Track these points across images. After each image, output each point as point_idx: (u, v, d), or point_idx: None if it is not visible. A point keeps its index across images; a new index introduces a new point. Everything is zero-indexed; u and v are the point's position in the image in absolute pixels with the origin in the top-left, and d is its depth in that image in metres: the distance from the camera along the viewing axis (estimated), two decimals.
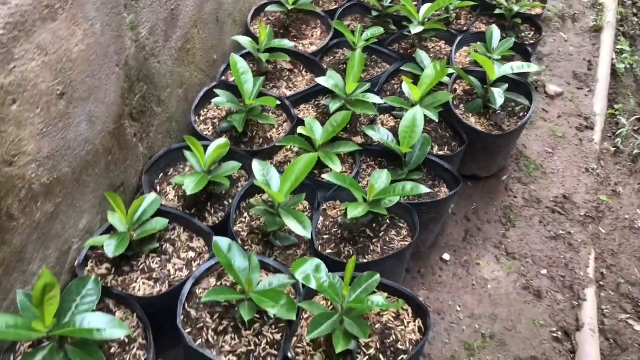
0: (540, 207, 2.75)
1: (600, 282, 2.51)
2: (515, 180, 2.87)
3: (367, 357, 1.70)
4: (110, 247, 1.79)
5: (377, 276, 1.72)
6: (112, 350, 1.69)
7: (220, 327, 1.76)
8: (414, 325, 1.79)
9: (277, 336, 1.75)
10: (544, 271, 2.46)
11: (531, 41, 3.17)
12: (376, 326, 1.78)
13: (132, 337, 1.73)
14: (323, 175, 2.05)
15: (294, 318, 1.62)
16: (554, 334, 2.23)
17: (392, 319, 1.81)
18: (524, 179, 2.88)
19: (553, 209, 2.75)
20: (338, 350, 1.56)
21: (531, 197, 2.79)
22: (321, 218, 2.18)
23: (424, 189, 2.00)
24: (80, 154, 1.71)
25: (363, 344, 1.73)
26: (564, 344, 2.21)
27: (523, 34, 3.24)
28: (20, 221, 1.49)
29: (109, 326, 1.52)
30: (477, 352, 2.13)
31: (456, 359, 2.10)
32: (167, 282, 1.88)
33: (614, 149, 3.19)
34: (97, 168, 1.84)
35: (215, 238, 1.75)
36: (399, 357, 1.68)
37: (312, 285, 1.64)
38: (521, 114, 2.70)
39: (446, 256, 2.48)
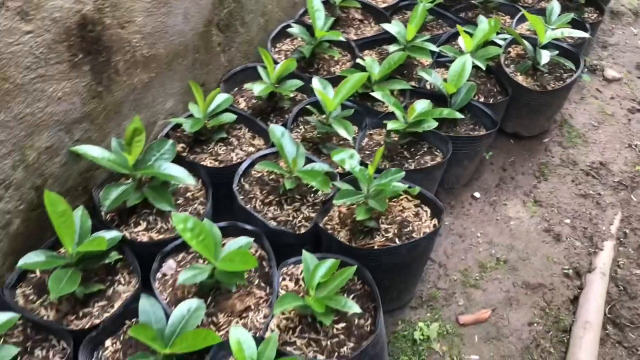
0: (575, 169, 2.91)
1: (622, 240, 2.64)
2: (556, 143, 3.04)
3: (384, 238, 1.97)
4: (188, 124, 2.16)
5: (403, 173, 1.99)
6: (179, 202, 2.05)
7: (267, 200, 2.08)
8: (430, 223, 2.03)
9: (312, 214, 2.05)
10: (567, 221, 2.64)
11: (591, 21, 3.31)
12: (396, 219, 2.04)
13: (195, 196, 2.08)
14: (372, 93, 2.34)
15: (328, 190, 1.92)
16: (565, 271, 2.41)
17: (412, 215, 2.07)
18: (564, 144, 3.04)
19: (588, 172, 2.90)
20: (358, 217, 1.85)
21: (568, 159, 2.95)
22: (366, 139, 2.46)
23: (459, 115, 2.24)
24: (174, 42, 2.08)
25: (383, 229, 2.00)
26: (573, 281, 2.38)
27: (586, 16, 3.39)
28: (123, 79, 1.87)
29: (182, 174, 1.87)
30: (489, 271, 2.36)
31: (468, 273, 2.34)
32: (229, 164, 2.23)
33: None
34: (185, 60, 2.20)
35: (272, 125, 2.07)
36: (412, 239, 1.94)
37: (347, 167, 1.93)
38: (568, 80, 2.87)
39: (477, 194, 2.70)
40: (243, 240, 1.76)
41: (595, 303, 2.27)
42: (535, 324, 2.19)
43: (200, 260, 1.85)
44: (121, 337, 1.69)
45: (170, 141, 2.01)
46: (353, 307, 1.61)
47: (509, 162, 2.91)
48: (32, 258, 1.64)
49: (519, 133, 3.02)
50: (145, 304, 1.56)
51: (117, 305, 1.72)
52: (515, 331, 2.15)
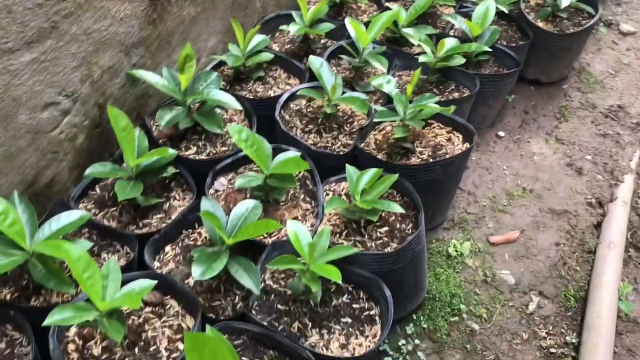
0: (594, 111, 2.99)
1: None
2: (575, 89, 3.12)
3: (419, 159, 2.07)
4: (230, 59, 2.26)
5: (436, 97, 2.08)
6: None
7: (306, 129, 2.18)
8: (462, 146, 2.13)
9: (349, 141, 2.14)
10: (588, 157, 2.72)
11: None
12: (430, 143, 2.14)
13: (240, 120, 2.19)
14: (404, 29, 2.43)
15: (366, 112, 2.03)
16: (588, 200, 2.50)
17: (445, 140, 2.16)
18: (583, 89, 3.12)
19: (606, 114, 2.98)
20: (396, 135, 1.95)
21: (587, 103, 3.03)
22: (395, 78, 2.55)
23: (486, 47, 2.34)
24: None
25: (418, 151, 2.10)
26: (596, 209, 2.47)
27: None
28: (174, 9, 1.97)
29: (230, 100, 1.97)
30: (516, 198, 2.45)
31: (497, 200, 2.43)
32: (268, 97, 2.33)
33: None
34: (226, 0, 2.30)
35: (311, 56, 2.17)
36: (444, 158, 2.04)
37: (385, 90, 2.03)
38: (587, 24, 2.95)
39: (501, 133, 2.79)
40: (292, 152, 1.86)
41: (617, 227, 2.36)
42: (561, 245, 2.28)
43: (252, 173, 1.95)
44: (179, 244, 1.80)
45: (216, 73, 2.11)
46: (396, 208, 1.71)
47: (531, 105, 2.99)
48: (98, 168, 1.76)
49: (539, 79, 3.11)
50: (206, 204, 1.67)
51: (174, 216, 1.83)
52: (543, 250, 2.25)
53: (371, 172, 1.78)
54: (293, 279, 1.65)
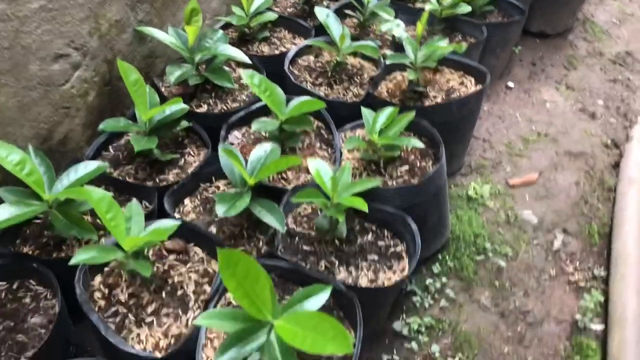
0: (602, 59, 2.96)
1: None
2: (581, 39, 3.09)
3: (433, 102, 2.03)
4: (235, 19, 2.23)
5: (447, 39, 2.05)
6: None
7: (317, 82, 2.14)
8: (475, 88, 2.10)
9: (361, 92, 2.11)
10: (600, 102, 2.69)
11: None
12: (443, 87, 2.11)
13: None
14: None
15: (377, 56, 2.00)
16: (604, 142, 2.47)
17: (457, 84, 2.13)
18: (589, 38, 3.09)
19: (614, 61, 2.95)
20: (410, 77, 1.92)
21: (594, 51, 3.00)
22: None
23: None
24: None
25: (432, 95, 2.07)
26: (612, 150, 2.44)
27: None
28: None
29: (239, 54, 1.93)
30: (531, 143, 2.42)
31: (512, 145, 2.40)
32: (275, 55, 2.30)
33: None
34: None
35: (317, 7, 2.14)
36: (459, 98, 2.00)
37: (395, 33, 2.00)
38: None
39: (511, 84, 2.76)
40: (305, 97, 1.83)
41: (636, 164, 2.32)
42: (581, 184, 2.24)
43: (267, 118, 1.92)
44: (198, 197, 1.77)
45: (221, 31, 2.08)
46: (416, 143, 1.68)
47: (538, 57, 2.96)
48: (112, 123, 1.73)
49: (544, 31, 3.07)
50: (224, 148, 1.63)
51: (190, 171, 1.80)
52: (564, 190, 2.22)
53: (387, 110, 1.75)
54: (318, 217, 1.62)
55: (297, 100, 1.78)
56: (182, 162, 1.86)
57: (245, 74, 1.69)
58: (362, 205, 1.42)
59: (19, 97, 1.47)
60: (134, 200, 1.43)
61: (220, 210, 1.47)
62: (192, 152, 1.89)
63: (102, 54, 1.73)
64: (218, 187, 1.81)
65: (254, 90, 1.69)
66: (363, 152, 1.76)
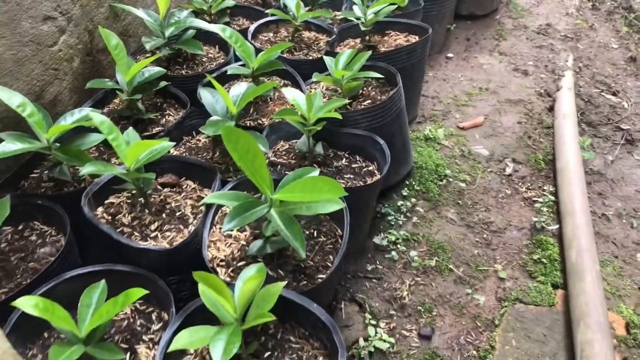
0: (527, 31, 3.28)
1: (577, 72, 3.00)
2: (507, 17, 3.41)
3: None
4: (197, 4, 2.42)
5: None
6: (203, 59, 2.29)
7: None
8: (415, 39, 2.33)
9: (320, 55, 2.31)
10: (530, 62, 2.98)
11: None
12: (392, 44, 2.33)
13: (215, 57, 2.33)
14: None
15: (330, 17, 2.21)
16: (538, 92, 2.73)
17: (404, 42, 2.35)
18: (513, 16, 3.42)
19: (538, 31, 3.27)
20: (362, 28, 2.14)
21: (520, 25, 3.32)
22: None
23: None
24: None
25: (383, 51, 2.28)
26: (545, 98, 2.71)
27: None
28: None
29: (207, 25, 2.11)
30: (474, 96, 2.66)
31: (458, 99, 2.63)
32: None
33: (592, 5, 3.71)
34: None
35: None
36: (407, 45, 2.22)
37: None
38: None
39: (450, 55, 3.02)
40: (274, 51, 2.00)
41: (568, 105, 2.58)
42: (523, 123, 2.49)
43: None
44: (182, 147, 1.90)
45: (187, 10, 2.26)
46: (375, 74, 1.87)
47: (471, 33, 3.25)
48: (98, 82, 1.85)
49: (473, 13, 3.39)
50: (205, 92, 1.79)
51: (173, 122, 1.93)
52: (508, 128, 2.45)
53: (347, 52, 1.93)
54: (297, 142, 1.77)
55: (267, 53, 1.95)
56: (163, 121, 1.98)
57: (217, 28, 1.86)
58: (337, 115, 1.59)
59: (14, 50, 1.59)
60: (131, 128, 1.56)
61: (208, 131, 1.61)
62: (171, 113, 2.03)
63: (83, 23, 1.87)
64: (199, 140, 1.94)
65: (229, 41, 1.85)
66: (328, 91, 1.94)
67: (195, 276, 1.13)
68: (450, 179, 2.12)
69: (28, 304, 1.09)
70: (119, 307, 1.15)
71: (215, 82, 1.61)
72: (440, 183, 2.10)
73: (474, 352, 1.56)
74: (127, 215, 1.57)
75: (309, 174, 1.37)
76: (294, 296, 1.29)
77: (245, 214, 1.27)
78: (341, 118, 1.60)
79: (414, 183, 2.08)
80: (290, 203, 1.31)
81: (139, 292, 1.18)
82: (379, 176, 1.68)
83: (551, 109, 2.62)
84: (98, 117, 1.45)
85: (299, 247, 1.25)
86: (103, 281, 1.25)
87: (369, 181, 1.66)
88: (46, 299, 1.13)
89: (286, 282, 1.24)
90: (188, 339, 1.12)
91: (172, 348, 1.10)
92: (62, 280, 1.34)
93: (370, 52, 1.92)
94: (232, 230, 1.50)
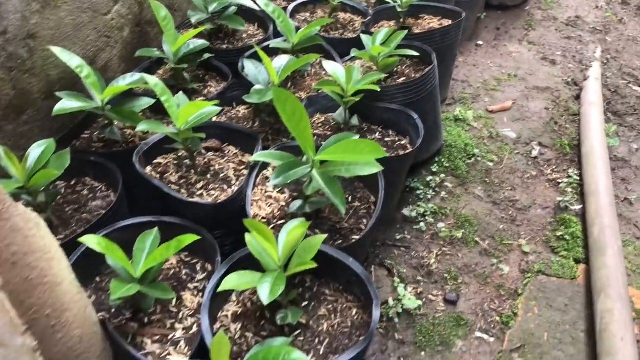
0: (556, 22, 3.30)
1: (605, 63, 3.03)
2: (536, 8, 3.44)
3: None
4: None
5: None
6: (243, 35, 2.37)
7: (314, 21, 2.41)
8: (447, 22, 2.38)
9: (355, 34, 2.38)
10: (558, 53, 3.01)
11: None
12: (426, 27, 2.38)
13: (255, 34, 2.40)
14: None
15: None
16: (565, 81, 2.77)
17: (437, 25, 2.41)
18: (543, 7, 3.45)
19: (567, 23, 3.30)
20: (399, 10, 2.19)
21: (549, 17, 3.35)
22: None
23: None
24: None
25: (417, 33, 2.34)
26: (572, 87, 2.74)
27: None
28: None
29: (247, 2, 2.20)
30: (503, 81, 2.71)
31: (487, 83, 2.68)
32: None
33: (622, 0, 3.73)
34: None
35: None
36: (440, 27, 2.28)
37: None
38: None
39: (480, 42, 3.07)
40: (314, 26, 2.07)
41: (595, 93, 2.62)
42: (550, 110, 2.53)
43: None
44: (223, 117, 1.98)
45: None
46: (412, 52, 1.94)
47: (501, 23, 3.29)
48: (146, 51, 1.94)
49: (504, 3, 3.42)
50: (248, 63, 1.86)
51: (215, 93, 2.01)
52: (535, 114, 2.49)
53: (384, 30, 2.00)
54: (334, 114, 1.84)
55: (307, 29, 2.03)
56: (205, 91, 2.07)
57: (262, 3, 1.94)
58: (375, 88, 1.66)
59: (73, 16, 1.68)
60: (181, 92, 1.64)
61: (253, 99, 1.68)
62: (212, 85, 2.11)
63: None
64: (239, 111, 2.02)
65: (271, 16, 1.93)
66: (364, 68, 2.00)
67: (245, 222, 1.21)
68: (479, 158, 2.18)
69: (92, 241, 1.18)
70: (172, 251, 1.24)
71: (262, 53, 1.68)
72: (469, 161, 2.16)
73: (497, 318, 1.63)
74: (174, 174, 1.66)
75: (347, 137, 1.43)
76: (332, 251, 1.37)
77: (289, 172, 1.35)
78: (379, 90, 1.66)
79: (443, 160, 2.15)
80: (331, 164, 1.38)
81: (190, 238, 1.26)
82: (411, 149, 1.74)
83: (578, 97, 2.66)
84: (152, 80, 1.54)
85: (339, 204, 1.32)
86: (156, 228, 1.34)
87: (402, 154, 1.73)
88: (106, 239, 1.22)
89: (326, 235, 1.31)
90: (236, 281, 1.20)
91: (222, 288, 1.19)
92: (115, 229, 1.43)
93: (405, 33, 1.97)
94: (277, 187, 1.58)
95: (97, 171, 1.67)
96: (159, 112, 1.88)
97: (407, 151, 1.70)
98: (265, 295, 1.12)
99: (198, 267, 1.48)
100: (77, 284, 1.14)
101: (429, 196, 2.00)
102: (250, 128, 1.88)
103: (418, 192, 2.01)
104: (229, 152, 1.77)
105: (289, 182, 1.35)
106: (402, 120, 1.85)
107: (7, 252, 0.94)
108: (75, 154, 1.65)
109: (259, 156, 1.39)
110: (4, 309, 0.69)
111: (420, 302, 1.63)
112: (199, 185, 1.62)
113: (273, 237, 1.21)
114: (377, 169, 1.35)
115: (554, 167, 2.20)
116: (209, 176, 1.65)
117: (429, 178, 2.06)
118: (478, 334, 1.58)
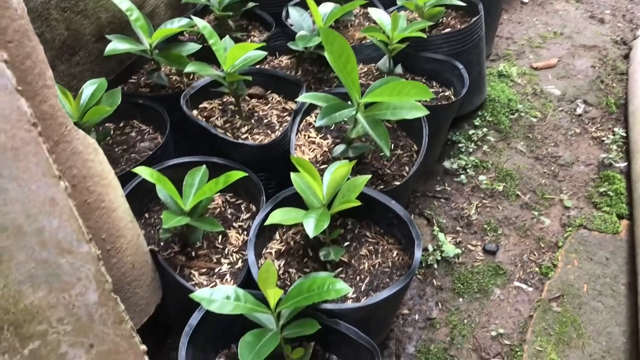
0: None
1: None
2: None
3: None
4: None
5: None
6: None
7: None
8: None
9: None
10: (607, 11, 2.90)
11: None
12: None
13: None
14: None
15: None
16: (613, 40, 2.67)
17: None
18: None
19: None
20: None
21: None
22: None
23: None
24: None
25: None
26: (621, 46, 2.65)
27: None
28: None
29: None
30: (549, 39, 2.62)
31: (532, 41, 2.61)
32: None
33: None
34: None
35: None
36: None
37: None
38: None
39: (525, 0, 2.98)
40: None
41: None
42: (597, 68, 2.45)
43: None
44: (267, 65, 1.98)
45: None
46: (458, 1, 1.89)
47: None
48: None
49: None
50: (293, 10, 1.85)
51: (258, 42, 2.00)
52: (581, 71, 2.42)
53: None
54: (378, 63, 1.82)
55: None
56: (248, 41, 2.06)
57: None
58: (421, 35, 1.63)
59: None
60: (227, 36, 1.65)
61: (298, 45, 1.68)
62: (255, 35, 2.10)
63: None
64: (282, 61, 2.02)
65: None
66: (410, 19, 1.97)
67: (292, 159, 1.22)
68: (522, 114, 2.14)
69: (145, 172, 1.21)
70: (220, 186, 1.26)
71: (300, 6, 1.67)
72: (512, 117, 2.12)
73: (536, 269, 1.62)
74: (219, 118, 1.68)
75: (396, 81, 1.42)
76: (375, 193, 1.37)
77: (335, 113, 1.35)
78: (425, 37, 1.63)
79: (485, 114, 2.11)
80: (376, 107, 1.37)
81: (238, 174, 1.28)
82: (455, 99, 1.72)
83: (626, 56, 2.57)
84: (201, 22, 1.54)
85: (384, 146, 1.32)
86: (204, 165, 1.36)
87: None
88: (158, 172, 1.25)
89: (370, 175, 1.31)
90: (282, 216, 1.22)
91: (268, 222, 1.21)
92: (165, 167, 1.46)
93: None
94: (320, 130, 1.58)
95: (144, 114, 1.70)
96: (203, 59, 1.89)
97: (450, 101, 1.68)
98: (310, 229, 1.14)
99: (243, 207, 1.50)
100: (130, 212, 1.17)
101: (471, 149, 1.97)
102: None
103: (460, 145, 1.98)
104: (272, 99, 1.78)
105: (333, 123, 1.35)
106: (446, 70, 1.82)
107: (68, 174, 0.97)
108: (124, 97, 1.69)
109: (305, 97, 1.39)
110: (73, 215, 0.71)
111: (459, 251, 1.63)
112: (243, 130, 1.63)
113: (318, 175, 1.22)
114: (422, 112, 1.33)
115: (599, 125, 2.15)
116: (253, 121, 1.66)
117: (471, 131, 2.03)
118: (516, 283, 1.58)
